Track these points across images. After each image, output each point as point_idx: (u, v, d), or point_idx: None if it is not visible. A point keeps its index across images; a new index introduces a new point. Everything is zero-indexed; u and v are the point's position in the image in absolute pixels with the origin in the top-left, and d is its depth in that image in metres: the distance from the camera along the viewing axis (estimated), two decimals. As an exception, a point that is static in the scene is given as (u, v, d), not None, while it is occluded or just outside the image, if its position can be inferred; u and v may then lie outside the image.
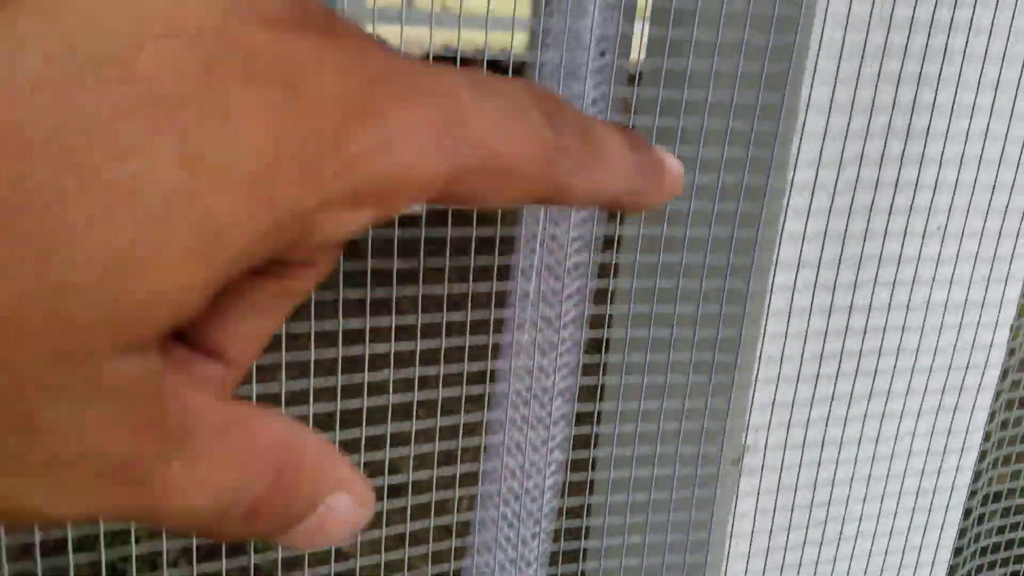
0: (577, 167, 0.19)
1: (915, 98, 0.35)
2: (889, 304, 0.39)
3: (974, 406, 0.44)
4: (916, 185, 0.37)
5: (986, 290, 0.44)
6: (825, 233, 0.37)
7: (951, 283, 0.39)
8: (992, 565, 0.76)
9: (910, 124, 0.35)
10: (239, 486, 0.16)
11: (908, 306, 0.39)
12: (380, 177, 0.15)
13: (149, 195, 0.13)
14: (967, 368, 0.43)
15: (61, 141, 0.12)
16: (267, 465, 0.17)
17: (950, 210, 0.38)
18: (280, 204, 0.14)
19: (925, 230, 0.37)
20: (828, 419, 0.40)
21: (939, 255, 0.39)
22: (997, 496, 0.76)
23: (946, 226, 0.38)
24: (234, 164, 0.14)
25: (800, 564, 0.40)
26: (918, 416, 0.41)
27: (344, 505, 0.18)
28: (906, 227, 0.38)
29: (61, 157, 0.12)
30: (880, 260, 0.38)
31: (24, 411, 0.13)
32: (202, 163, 0.13)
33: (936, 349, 0.41)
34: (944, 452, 0.42)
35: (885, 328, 0.39)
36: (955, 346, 0.42)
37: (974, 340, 0.44)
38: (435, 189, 0.17)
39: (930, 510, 0.43)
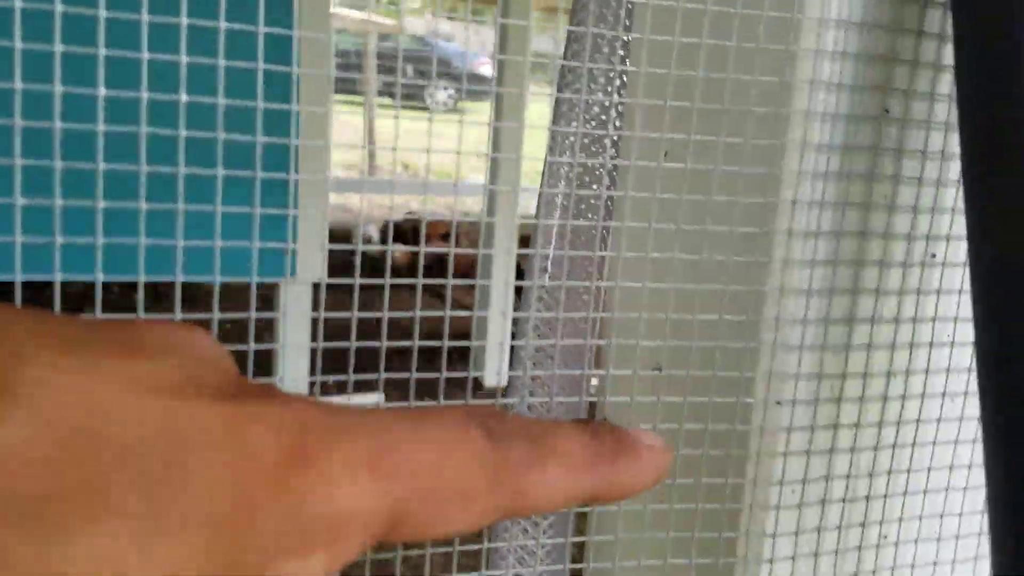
0: (526, 473, 0.19)
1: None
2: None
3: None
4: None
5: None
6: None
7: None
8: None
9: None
10: None
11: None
12: (323, 518, 0.16)
13: (124, 556, 0.14)
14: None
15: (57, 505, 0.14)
16: None
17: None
18: (231, 554, 0.15)
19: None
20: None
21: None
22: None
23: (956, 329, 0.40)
24: (191, 517, 0.15)
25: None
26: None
27: None
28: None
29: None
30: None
31: None
32: (164, 514, 0.15)
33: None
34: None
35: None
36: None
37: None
38: (380, 524, 0.17)
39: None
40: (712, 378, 0.36)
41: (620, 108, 0.41)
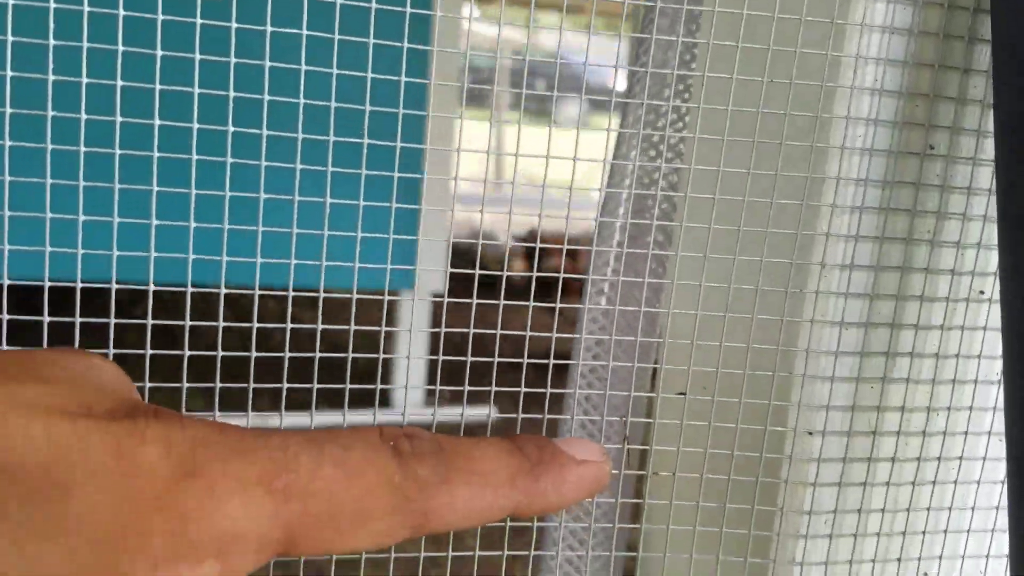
0: (435, 493, 0.19)
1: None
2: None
3: None
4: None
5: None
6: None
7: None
8: None
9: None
10: None
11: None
12: (210, 530, 0.17)
13: (2, 554, 0.15)
14: None
15: None
16: None
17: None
18: (113, 558, 0.16)
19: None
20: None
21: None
22: None
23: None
24: (72, 525, 0.16)
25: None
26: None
27: None
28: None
29: None
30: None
31: None
32: (44, 521, 0.16)
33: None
34: None
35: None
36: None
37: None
38: (275, 539, 0.18)
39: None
40: (743, 404, 0.37)
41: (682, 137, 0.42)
